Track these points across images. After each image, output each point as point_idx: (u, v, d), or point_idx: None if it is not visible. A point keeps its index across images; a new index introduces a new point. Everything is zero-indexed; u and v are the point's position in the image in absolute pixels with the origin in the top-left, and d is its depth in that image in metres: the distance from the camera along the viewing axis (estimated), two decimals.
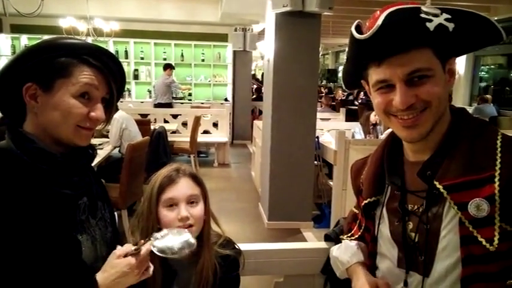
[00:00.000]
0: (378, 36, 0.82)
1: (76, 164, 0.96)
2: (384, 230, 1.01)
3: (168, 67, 7.93)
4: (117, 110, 4.33)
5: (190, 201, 1.13)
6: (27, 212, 0.85)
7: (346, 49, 0.97)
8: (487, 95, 8.15)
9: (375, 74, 0.89)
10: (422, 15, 0.82)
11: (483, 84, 9.70)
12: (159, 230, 1.07)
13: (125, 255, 0.93)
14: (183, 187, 1.13)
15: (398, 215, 0.97)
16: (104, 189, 1.12)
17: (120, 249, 0.95)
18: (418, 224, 0.92)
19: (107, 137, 4.23)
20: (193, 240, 1.01)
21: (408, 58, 0.84)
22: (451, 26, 0.82)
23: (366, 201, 1.05)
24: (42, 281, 0.86)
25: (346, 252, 1.14)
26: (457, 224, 0.85)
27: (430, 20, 0.82)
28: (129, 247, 0.96)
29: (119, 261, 0.92)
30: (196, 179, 1.17)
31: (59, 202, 0.91)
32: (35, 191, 0.87)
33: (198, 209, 1.13)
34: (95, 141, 3.91)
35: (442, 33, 0.82)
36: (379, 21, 0.81)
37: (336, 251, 1.19)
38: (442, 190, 0.86)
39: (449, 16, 0.83)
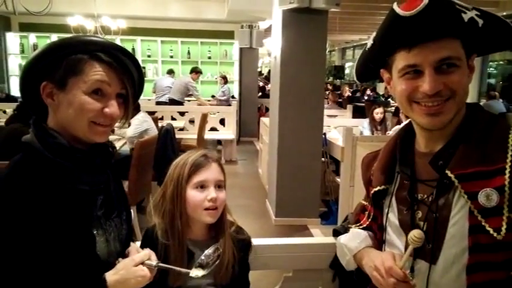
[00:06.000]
0: (422, 16, 0.83)
1: (95, 161, 0.97)
2: (392, 218, 1.03)
3: (195, 71, 7.82)
4: (138, 110, 4.37)
5: (217, 186, 1.18)
6: (45, 204, 0.87)
7: (372, 35, 0.98)
8: (494, 92, 8.10)
9: (403, 59, 0.91)
10: (457, 7, 0.86)
11: (492, 80, 9.62)
12: (187, 215, 1.13)
13: (142, 263, 0.95)
14: (214, 171, 1.18)
15: (407, 204, 0.99)
16: (122, 187, 1.14)
17: (138, 256, 0.97)
18: (427, 212, 0.94)
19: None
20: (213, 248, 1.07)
21: (440, 45, 0.87)
22: (480, 21, 0.86)
23: (375, 189, 1.07)
24: (55, 271, 0.87)
25: (354, 239, 1.14)
26: (466, 213, 0.87)
27: (465, 12, 0.86)
28: (146, 255, 0.98)
29: (136, 269, 0.94)
30: (221, 166, 1.23)
31: (77, 197, 0.92)
32: (53, 185, 0.89)
33: (223, 194, 1.19)
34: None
35: (473, 27, 0.86)
36: (426, 0, 0.83)
37: (343, 238, 1.20)
38: (453, 179, 0.88)
39: (478, 13, 0.87)
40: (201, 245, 1.17)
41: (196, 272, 1.00)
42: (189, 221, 1.18)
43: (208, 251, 1.04)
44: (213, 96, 8.93)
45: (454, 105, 0.90)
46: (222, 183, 1.20)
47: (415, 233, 0.89)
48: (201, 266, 1.01)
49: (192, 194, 1.15)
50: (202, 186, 1.16)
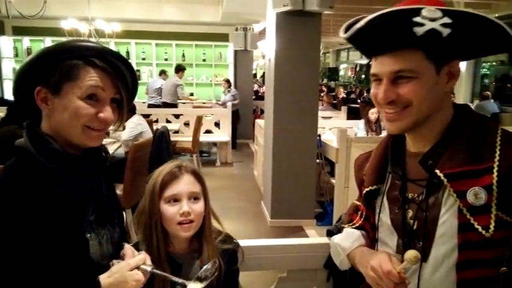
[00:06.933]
0: (359, 38, 0.89)
1: (88, 166, 0.97)
2: (384, 217, 1.05)
3: (180, 69, 7.85)
4: (134, 113, 4.36)
5: (192, 198, 1.15)
6: (38, 210, 0.87)
7: None
8: (487, 92, 8.15)
9: (372, 67, 0.95)
10: (416, 19, 0.83)
11: (486, 81, 9.70)
12: (163, 229, 1.11)
13: (137, 267, 0.95)
14: (186, 184, 1.15)
15: (398, 203, 1.01)
16: (114, 191, 1.14)
17: (134, 261, 0.96)
18: (418, 211, 0.96)
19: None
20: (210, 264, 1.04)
21: (396, 58, 0.89)
22: (446, 31, 0.83)
23: (367, 189, 1.08)
24: (49, 275, 0.88)
25: (348, 238, 1.15)
26: (455, 211, 0.89)
27: (422, 25, 0.83)
28: (141, 259, 0.97)
29: (131, 273, 0.93)
30: (198, 176, 1.19)
31: (69, 202, 0.93)
32: (46, 190, 0.90)
33: (199, 206, 1.15)
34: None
35: (432, 38, 0.84)
36: (359, 25, 0.88)
37: (337, 238, 1.21)
38: (442, 178, 0.90)
39: (449, 21, 0.83)
40: (185, 258, 1.16)
41: (194, 286, 0.98)
42: (169, 235, 1.16)
43: (208, 266, 1.02)
44: (217, 101, 8.89)
45: (412, 114, 0.91)
46: (198, 195, 1.16)
47: (410, 256, 0.88)
48: (199, 279, 0.99)
49: (165, 209, 1.12)
50: (175, 200, 1.13)
